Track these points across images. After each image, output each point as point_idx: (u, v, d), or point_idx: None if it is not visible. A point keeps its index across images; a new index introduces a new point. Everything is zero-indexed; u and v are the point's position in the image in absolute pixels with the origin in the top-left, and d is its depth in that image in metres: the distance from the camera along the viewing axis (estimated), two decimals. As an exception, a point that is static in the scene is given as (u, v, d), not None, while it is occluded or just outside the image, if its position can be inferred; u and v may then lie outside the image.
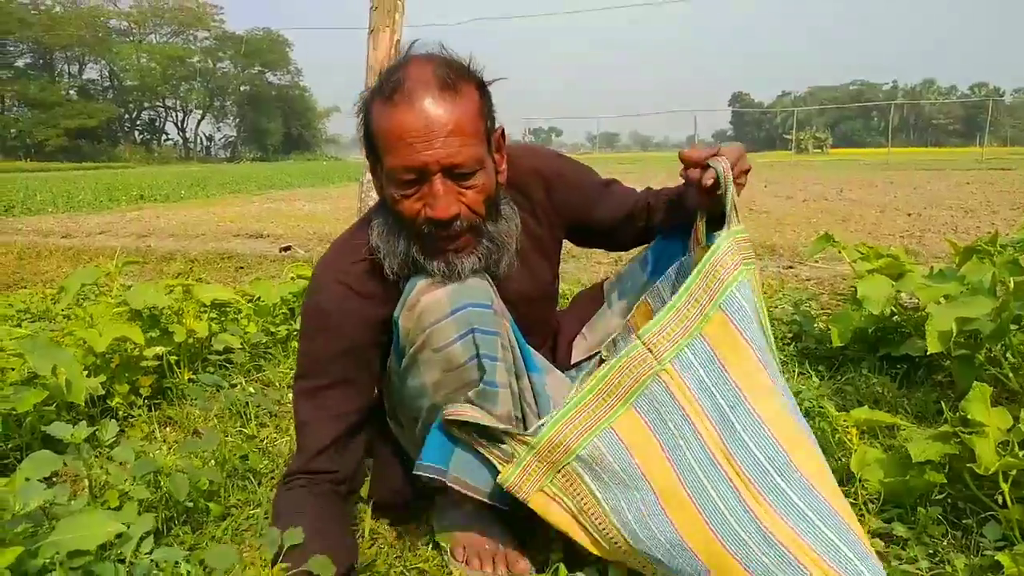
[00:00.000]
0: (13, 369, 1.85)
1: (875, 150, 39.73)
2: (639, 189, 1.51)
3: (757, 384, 1.09)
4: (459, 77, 1.13)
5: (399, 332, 1.21)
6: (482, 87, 1.18)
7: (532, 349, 1.34)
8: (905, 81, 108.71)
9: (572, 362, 1.49)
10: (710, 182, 1.16)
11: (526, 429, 1.25)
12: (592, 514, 1.16)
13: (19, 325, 2.75)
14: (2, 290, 4.11)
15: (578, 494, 1.17)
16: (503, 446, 1.20)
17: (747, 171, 1.22)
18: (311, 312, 1.29)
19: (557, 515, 1.20)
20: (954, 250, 2.37)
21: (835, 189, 11.23)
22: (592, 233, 1.48)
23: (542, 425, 1.16)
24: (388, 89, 1.11)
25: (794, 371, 2.39)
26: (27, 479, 1.17)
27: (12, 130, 59.99)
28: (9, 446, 1.77)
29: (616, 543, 1.14)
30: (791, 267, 4.53)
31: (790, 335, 2.69)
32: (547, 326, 1.50)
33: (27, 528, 1.02)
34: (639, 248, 1.53)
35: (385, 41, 3.77)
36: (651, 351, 1.12)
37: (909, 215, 7.29)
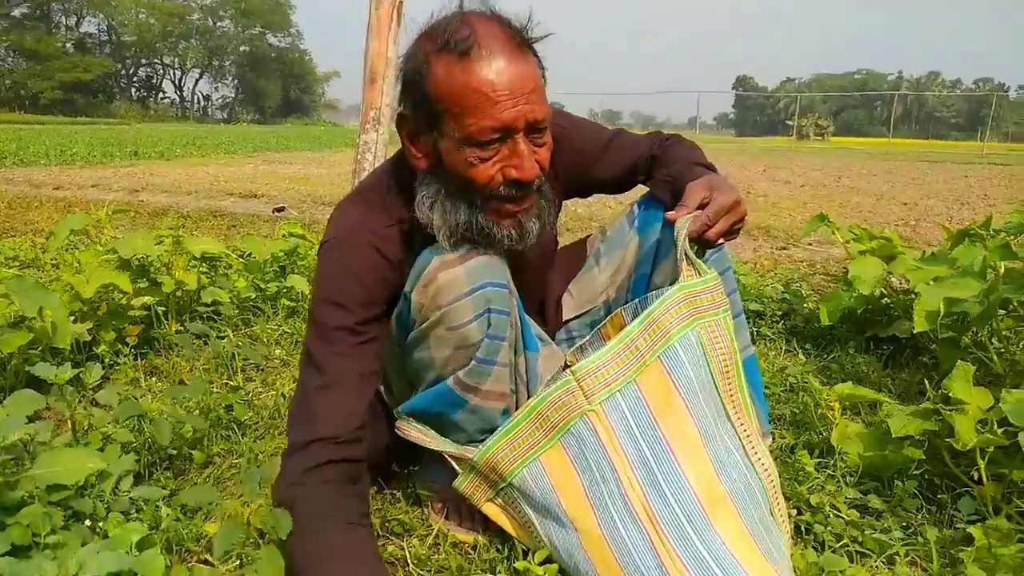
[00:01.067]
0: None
1: (876, 139, 39.59)
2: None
3: (686, 441, 1.07)
4: (522, 40, 1.09)
5: (410, 305, 1.17)
6: (535, 55, 1.13)
7: (531, 323, 1.34)
8: (910, 72, 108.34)
9: (564, 320, 1.47)
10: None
11: (518, 405, 1.27)
12: (533, 534, 1.19)
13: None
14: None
15: (519, 514, 1.20)
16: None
17: (739, 222, 1.18)
18: (339, 270, 1.20)
19: (508, 524, 1.23)
20: (947, 234, 2.37)
21: (833, 176, 11.21)
22: (593, 189, 1.45)
23: (485, 443, 1.17)
24: (459, 46, 1.04)
25: (781, 348, 2.40)
26: (7, 416, 1.17)
27: (7, 81, 59.15)
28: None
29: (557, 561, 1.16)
30: (784, 248, 4.54)
31: (779, 313, 2.70)
32: (540, 288, 1.49)
33: (6, 460, 1.02)
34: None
35: (387, 1, 3.71)
36: (582, 389, 1.09)
37: (905, 204, 7.29)
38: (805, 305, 2.75)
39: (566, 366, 1.21)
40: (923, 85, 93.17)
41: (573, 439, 1.11)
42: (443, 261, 1.14)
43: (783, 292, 2.90)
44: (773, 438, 1.69)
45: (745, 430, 1.12)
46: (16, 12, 62.12)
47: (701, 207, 1.17)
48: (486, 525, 1.30)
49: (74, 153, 12.07)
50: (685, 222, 1.16)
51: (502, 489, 1.19)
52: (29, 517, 0.93)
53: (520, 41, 1.08)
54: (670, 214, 1.18)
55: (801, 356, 2.32)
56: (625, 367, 1.10)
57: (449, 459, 1.23)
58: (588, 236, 1.53)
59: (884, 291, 2.44)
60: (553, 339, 1.47)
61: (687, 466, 1.05)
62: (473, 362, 1.16)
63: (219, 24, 73.95)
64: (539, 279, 1.46)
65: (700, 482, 1.05)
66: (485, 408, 1.22)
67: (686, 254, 1.14)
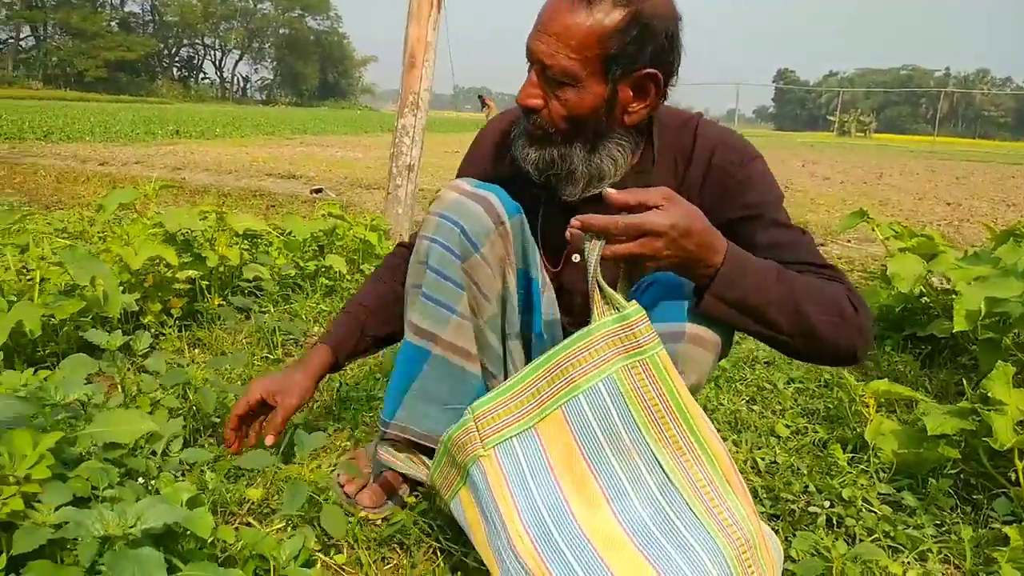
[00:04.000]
0: (47, 280, 1.90)
1: (920, 137, 38.73)
2: None
3: (585, 495, 0.97)
4: None
5: None
6: (636, 17, 1.08)
7: (549, 318, 1.31)
8: (958, 69, 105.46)
9: None
10: (576, 247, 1.02)
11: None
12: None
13: (57, 242, 2.82)
14: (41, 210, 4.19)
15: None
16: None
17: (649, 259, 0.98)
18: (469, 150, 1.44)
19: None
20: (991, 234, 2.33)
21: (875, 173, 11.02)
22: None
23: (431, 468, 1.17)
24: None
25: (816, 343, 2.38)
26: (64, 377, 1.22)
27: (53, 58, 60.40)
28: (47, 352, 1.83)
29: None
30: (822, 244, 4.49)
31: (815, 309, 2.67)
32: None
33: (66, 418, 1.06)
34: None
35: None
36: (478, 430, 1.04)
37: (948, 204, 7.15)
38: (842, 301, 2.72)
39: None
40: (971, 83, 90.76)
41: (471, 483, 1.07)
42: (460, 182, 1.22)
43: (820, 288, 2.87)
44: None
45: (699, 479, 0.95)
46: (64, -10, 63.30)
47: (633, 209, 0.98)
48: (362, 497, 1.32)
49: (117, 130, 12.32)
50: (596, 244, 0.96)
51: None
52: (88, 471, 0.98)
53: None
54: (610, 191, 0.98)
55: (836, 352, 2.31)
56: (524, 410, 1.03)
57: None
58: None
59: (924, 290, 2.41)
60: None
61: (585, 525, 0.95)
62: (425, 271, 1.20)
63: (260, 6, 74.68)
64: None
65: (600, 539, 0.93)
66: (453, 364, 1.24)
67: (598, 285, 0.98)
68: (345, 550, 1.21)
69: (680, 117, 1.28)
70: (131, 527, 0.83)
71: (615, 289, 0.99)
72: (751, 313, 1.05)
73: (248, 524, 1.25)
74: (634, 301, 0.99)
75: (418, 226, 1.27)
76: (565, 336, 1.33)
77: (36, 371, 1.33)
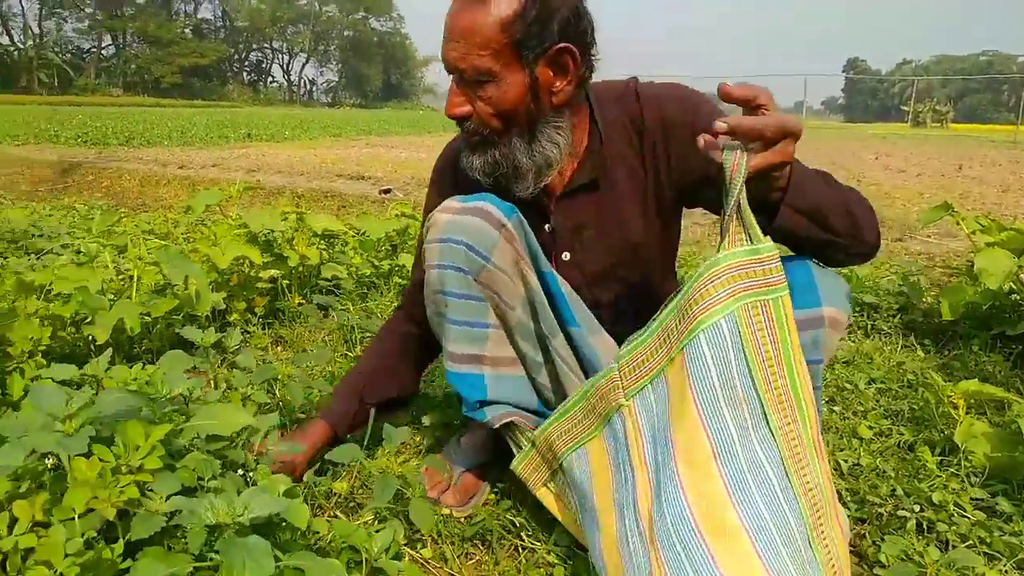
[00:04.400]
0: (139, 278, 2.00)
1: (1002, 127, 36.87)
2: None
3: (693, 458, 0.92)
4: None
5: None
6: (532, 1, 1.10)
7: (575, 305, 1.29)
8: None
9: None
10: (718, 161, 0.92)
11: (560, 387, 1.29)
12: (580, 527, 1.15)
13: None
14: (127, 212, 4.40)
15: (568, 505, 1.18)
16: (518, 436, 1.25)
17: (785, 164, 0.92)
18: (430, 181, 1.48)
19: (560, 513, 1.22)
20: (1089, 229, 2.22)
21: (953, 165, 10.55)
22: (702, 198, 1.27)
23: (545, 421, 1.17)
24: None
25: (898, 343, 2.31)
26: (164, 373, 1.29)
27: (132, 65, 63.14)
28: (142, 348, 1.93)
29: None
30: (900, 240, 4.33)
31: (896, 307, 2.60)
32: (622, 285, 1.34)
33: (171, 411, 1.12)
34: None
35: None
36: (622, 380, 1.04)
37: (1035, 196, 6.79)
38: (924, 299, 2.63)
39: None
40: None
41: (610, 432, 1.07)
42: (448, 202, 1.22)
43: (900, 285, 2.78)
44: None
45: (793, 439, 0.91)
46: (141, 0, 66.08)
47: (753, 108, 0.91)
48: (449, 496, 1.35)
49: (193, 134, 12.81)
50: (743, 155, 0.88)
51: (555, 472, 1.19)
52: (194, 462, 1.04)
53: None
54: (726, 85, 0.89)
55: (920, 352, 2.23)
56: (658, 357, 1.00)
57: (509, 441, 1.27)
58: None
59: (1013, 286, 2.31)
60: None
61: (689, 489, 0.91)
62: (446, 298, 1.21)
63: (325, 9, 76.33)
64: (624, 273, 1.34)
65: (701, 507, 0.89)
66: (505, 376, 1.26)
67: (739, 207, 0.90)
68: (430, 545, 1.24)
69: (618, 87, 1.28)
70: (239, 516, 0.87)
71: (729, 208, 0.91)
72: (817, 219, 1.02)
73: (335, 516, 1.29)
74: (768, 239, 0.92)
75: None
76: (600, 321, 1.33)
77: (134, 366, 1.41)
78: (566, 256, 1.30)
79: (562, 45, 1.13)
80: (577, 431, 1.12)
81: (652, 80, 1.30)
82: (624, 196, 1.26)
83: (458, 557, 1.21)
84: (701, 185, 1.23)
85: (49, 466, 0.99)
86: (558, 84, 1.16)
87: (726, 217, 0.91)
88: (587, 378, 1.26)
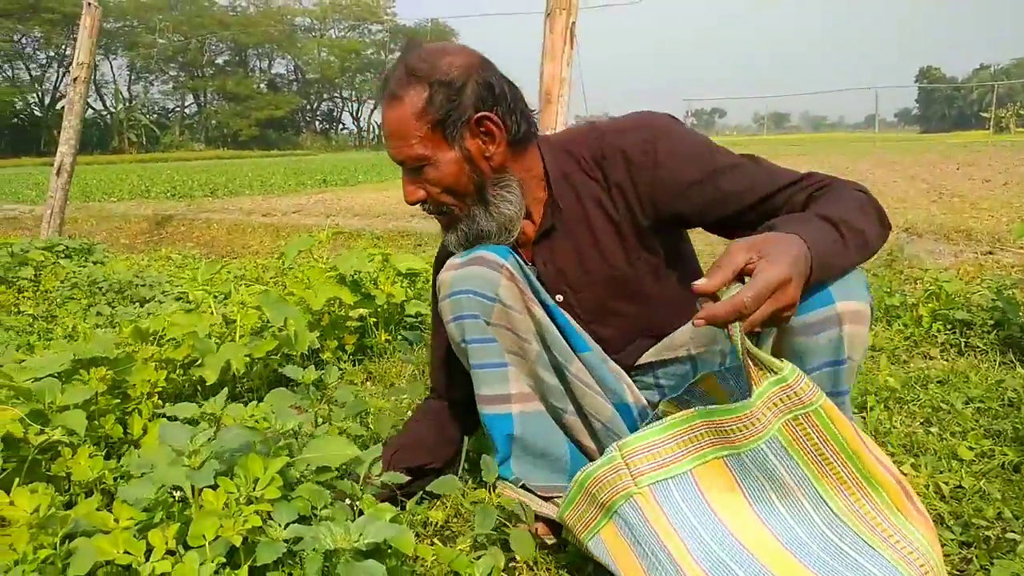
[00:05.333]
0: (234, 322, 2.13)
1: (1095, 128, 34.79)
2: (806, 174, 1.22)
3: (754, 534, 0.97)
4: (408, 82, 1.21)
5: None
6: (434, 84, 1.20)
7: (583, 332, 1.35)
8: None
9: (634, 363, 1.41)
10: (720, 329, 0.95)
11: (584, 413, 1.33)
12: None
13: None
14: (226, 261, 4.64)
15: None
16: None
17: (785, 310, 0.94)
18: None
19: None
20: None
21: (1043, 172, 10.03)
22: (683, 223, 1.30)
23: (560, 507, 1.18)
24: (382, 86, 1.26)
25: (995, 360, 2.23)
26: (272, 410, 1.37)
27: (212, 121, 66.70)
28: (243, 387, 2.05)
29: None
30: (990, 252, 4.16)
31: (991, 323, 2.50)
32: (620, 318, 1.37)
33: (285, 445, 1.20)
34: None
35: (560, 24, 3.86)
36: (628, 468, 1.04)
37: None
38: (1021, 314, 2.52)
39: (658, 415, 1.14)
40: None
41: (621, 520, 1.06)
42: (450, 262, 1.33)
43: (994, 300, 2.68)
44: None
45: (870, 513, 0.93)
46: (219, 60, 69.97)
47: (743, 276, 0.95)
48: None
49: (272, 183, 13.41)
50: (734, 327, 0.93)
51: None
52: (308, 492, 1.11)
53: (396, 91, 1.22)
54: (699, 283, 0.93)
55: (1020, 369, 2.15)
56: (681, 452, 1.02)
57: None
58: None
59: (1120, 297, 2.20)
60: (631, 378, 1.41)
61: (760, 555, 0.95)
62: (466, 347, 1.29)
63: (390, 56, 78.90)
64: (612, 305, 1.37)
65: (760, 551, 0.95)
66: (529, 413, 1.32)
67: (749, 355, 0.95)
68: (526, 572, 1.27)
69: (583, 129, 1.35)
70: (355, 542, 0.93)
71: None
72: (838, 273, 1.03)
73: (432, 544, 1.34)
74: (786, 361, 0.95)
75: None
76: (634, 380, 1.39)
77: (244, 404, 1.51)
78: (559, 298, 1.36)
79: (479, 115, 1.22)
80: (587, 519, 1.13)
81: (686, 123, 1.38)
82: (600, 231, 1.32)
83: (555, 584, 1.24)
84: (677, 212, 1.26)
85: (177, 498, 1.08)
86: (490, 149, 1.25)
87: (742, 365, 0.96)
88: (608, 399, 1.33)
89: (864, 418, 1.86)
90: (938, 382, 2.10)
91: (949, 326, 2.54)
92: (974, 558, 1.26)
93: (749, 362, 0.95)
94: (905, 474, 1.55)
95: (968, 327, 2.50)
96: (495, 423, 1.32)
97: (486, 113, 1.22)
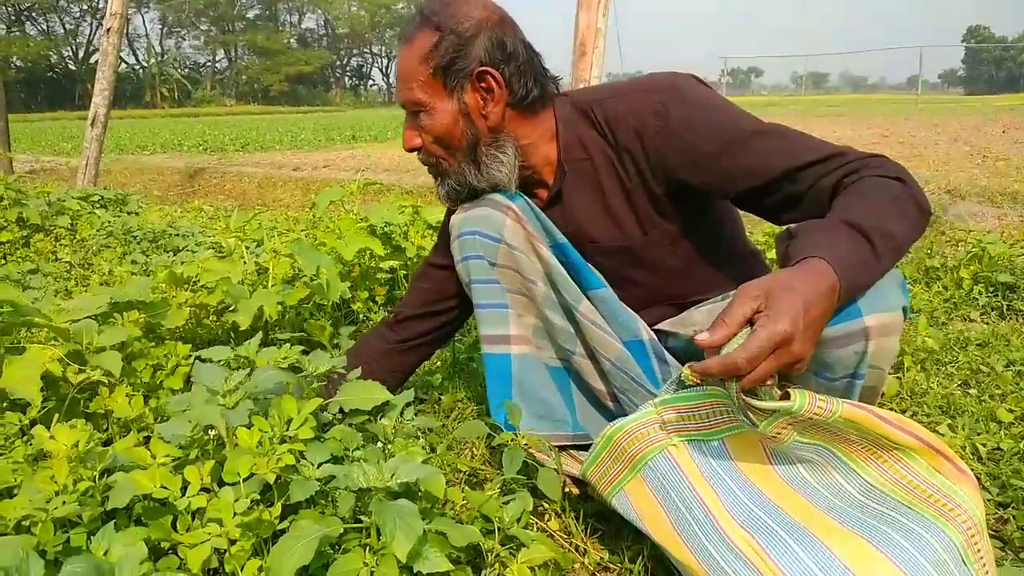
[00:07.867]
0: (267, 270, 2.14)
1: None
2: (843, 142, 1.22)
3: (788, 500, 0.96)
4: (421, 25, 1.21)
5: None
6: (445, 31, 1.19)
7: (594, 269, 1.32)
8: None
9: (652, 326, 1.37)
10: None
11: (593, 354, 1.32)
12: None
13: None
14: (257, 211, 4.68)
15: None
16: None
17: (794, 364, 0.87)
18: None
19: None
20: None
21: (1095, 135, 9.65)
22: (696, 194, 1.22)
23: (584, 464, 1.16)
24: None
25: (1039, 324, 2.17)
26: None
27: (243, 76, 66.75)
28: (276, 336, 2.07)
29: None
30: (1037, 218, 4.04)
31: (1036, 286, 2.43)
32: (635, 286, 1.35)
33: (318, 387, 1.21)
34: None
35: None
36: (663, 424, 1.03)
37: None
38: (1068, 278, 2.45)
39: (681, 380, 1.06)
40: None
41: (652, 473, 1.05)
42: (458, 210, 1.34)
43: (1041, 263, 2.61)
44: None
45: (906, 476, 0.92)
46: (250, 14, 69.69)
47: (748, 323, 0.89)
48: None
49: (302, 138, 13.43)
50: (731, 385, 0.89)
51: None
52: (341, 434, 1.12)
53: (409, 33, 1.23)
54: (701, 337, 0.88)
55: (1065, 333, 2.09)
56: (718, 420, 1.01)
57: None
58: None
59: None
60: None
61: (796, 515, 0.94)
62: (472, 286, 1.31)
63: (421, 11, 77.88)
64: (626, 273, 1.34)
65: (783, 499, 0.95)
66: (527, 356, 1.33)
67: (749, 414, 0.91)
68: (555, 518, 1.28)
69: (599, 91, 1.31)
70: (388, 481, 0.94)
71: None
72: (870, 286, 0.96)
73: (462, 489, 1.35)
74: (794, 392, 0.88)
75: None
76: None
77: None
78: None
79: (482, 69, 1.20)
80: (611, 476, 1.11)
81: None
82: (611, 196, 1.28)
83: (582, 531, 1.24)
84: (688, 182, 1.19)
85: (212, 437, 1.09)
86: (488, 107, 1.23)
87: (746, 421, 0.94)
88: (621, 337, 1.30)
89: (900, 379, 1.82)
90: (978, 344, 2.05)
91: (991, 289, 2.48)
92: (1011, 518, 1.24)
93: (749, 413, 0.91)
94: (941, 435, 1.52)
95: (1011, 290, 2.44)
96: (494, 363, 1.34)
97: (488, 68, 1.20)
